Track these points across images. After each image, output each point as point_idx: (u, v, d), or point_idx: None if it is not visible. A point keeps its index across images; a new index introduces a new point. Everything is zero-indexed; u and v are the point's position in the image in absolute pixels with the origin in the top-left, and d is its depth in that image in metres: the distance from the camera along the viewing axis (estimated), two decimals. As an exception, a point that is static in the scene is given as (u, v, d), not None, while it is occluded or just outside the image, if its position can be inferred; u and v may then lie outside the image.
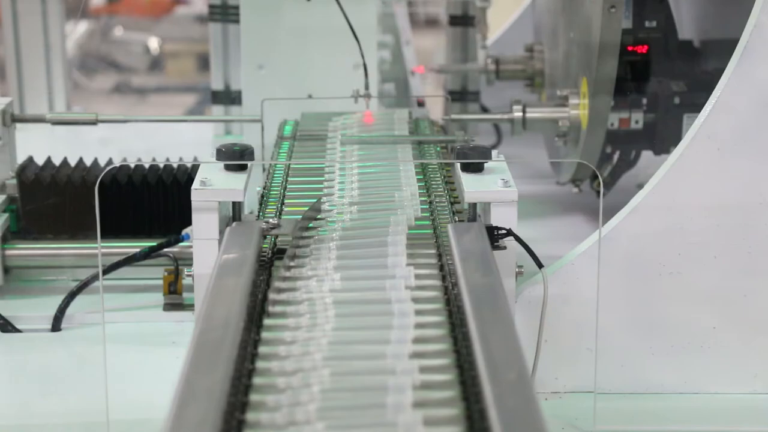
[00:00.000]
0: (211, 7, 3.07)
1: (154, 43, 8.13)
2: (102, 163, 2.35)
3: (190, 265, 1.75)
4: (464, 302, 1.40)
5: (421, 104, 2.58)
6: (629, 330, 1.92)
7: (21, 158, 2.35)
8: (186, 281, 2.13)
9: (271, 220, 1.70)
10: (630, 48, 2.48)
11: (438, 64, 3.13)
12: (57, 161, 2.34)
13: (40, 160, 2.35)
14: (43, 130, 2.49)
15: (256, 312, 1.45)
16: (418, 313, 1.41)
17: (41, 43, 3.40)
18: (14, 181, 2.29)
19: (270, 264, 1.64)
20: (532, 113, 2.55)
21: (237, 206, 1.74)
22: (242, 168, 1.78)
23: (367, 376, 1.26)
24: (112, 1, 8.52)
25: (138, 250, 2.13)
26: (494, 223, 1.70)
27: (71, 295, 2.13)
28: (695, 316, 1.93)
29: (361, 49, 2.36)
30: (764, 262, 1.92)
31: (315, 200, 1.79)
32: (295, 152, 2.14)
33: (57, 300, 2.13)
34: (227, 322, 1.33)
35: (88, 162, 2.35)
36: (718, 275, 1.92)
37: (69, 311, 2.12)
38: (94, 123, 2.38)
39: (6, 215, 2.26)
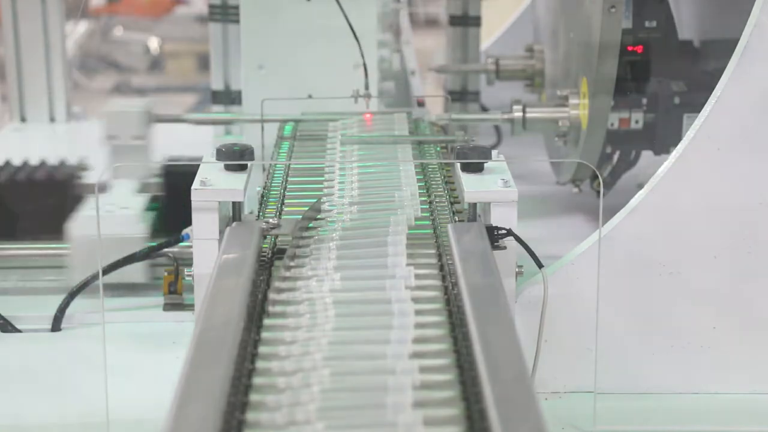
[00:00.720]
0: (211, 7, 3.08)
1: (154, 43, 8.15)
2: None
3: (190, 265, 1.75)
4: (464, 302, 1.40)
5: (421, 104, 2.58)
6: (629, 330, 1.92)
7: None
8: (186, 281, 2.12)
9: (271, 220, 1.70)
10: (630, 48, 2.48)
11: (438, 64, 3.13)
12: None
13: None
14: (42, 129, 2.49)
15: (256, 312, 1.45)
16: (418, 313, 1.41)
17: (41, 43, 3.40)
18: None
19: (270, 264, 1.64)
20: (532, 113, 2.55)
21: (237, 206, 1.74)
22: (242, 168, 1.78)
23: (367, 376, 1.26)
24: (112, 1, 8.53)
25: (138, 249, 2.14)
26: (494, 223, 1.70)
27: (71, 295, 2.13)
28: (695, 316, 1.93)
29: (361, 49, 2.36)
30: (764, 262, 1.92)
31: (315, 200, 1.79)
32: (295, 152, 2.13)
33: (57, 300, 2.13)
34: (227, 322, 1.33)
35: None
36: (718, 275, 1.92)
37: (69, 311, 2.12)
38: (230, 123, 2.67)
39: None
